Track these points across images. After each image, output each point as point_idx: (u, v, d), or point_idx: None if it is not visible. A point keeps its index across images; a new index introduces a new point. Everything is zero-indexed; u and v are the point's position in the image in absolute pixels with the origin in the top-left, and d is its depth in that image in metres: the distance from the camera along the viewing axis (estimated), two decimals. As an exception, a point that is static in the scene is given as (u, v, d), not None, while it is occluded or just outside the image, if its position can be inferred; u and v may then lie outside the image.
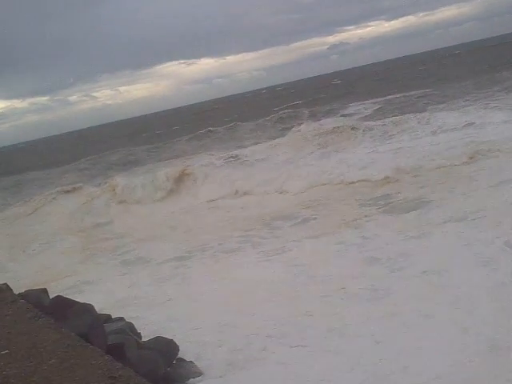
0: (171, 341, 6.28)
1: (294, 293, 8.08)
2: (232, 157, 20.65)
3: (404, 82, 48.72)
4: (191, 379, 5.89)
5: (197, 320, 7.66)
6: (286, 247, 10.63)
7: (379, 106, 32.28)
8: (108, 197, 19.10)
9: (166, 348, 6.11)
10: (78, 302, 5.88)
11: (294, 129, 23.79)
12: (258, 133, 30.16)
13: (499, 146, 14.20)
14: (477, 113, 19.86)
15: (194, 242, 12.56)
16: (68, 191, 20.10)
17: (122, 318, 6.55)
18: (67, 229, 16.71)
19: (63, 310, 5.53)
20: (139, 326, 6.59)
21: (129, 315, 7.02)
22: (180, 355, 6.26)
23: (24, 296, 5.81)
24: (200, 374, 6.02)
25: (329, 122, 26.92)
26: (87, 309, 5.78)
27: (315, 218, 12.50)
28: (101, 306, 6.74)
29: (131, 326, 6.31)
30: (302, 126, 23.22)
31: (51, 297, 6.14)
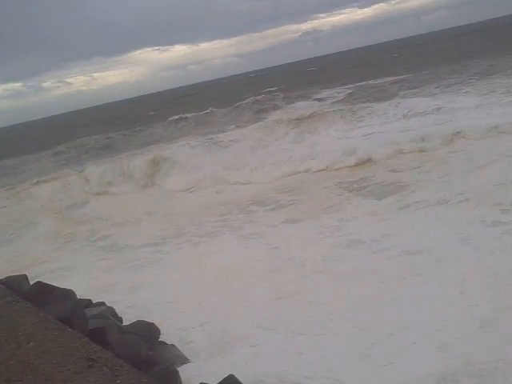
0: (152, 324, 6.27)
1: (274, 276, 8.11)
2: (208, 142, 20.54)
3: (377, 68, 49.06)
4: (173, 363, 5.90)
5: (177, 304, 7.66)
6: (265, 232, 10.64)
7: (352, 91, 32.52)
8: (82, 183, 18.88)
9: (147, 332, 6.09)
10: (58, 288, 5.81)
11: (269, 114, 23.78)
12: (234, 117, 30.07)
13: (472, 130, 14.40)
14: (448, 97, 20.19)
15: (171, 227, 12.51)
16: (45, 181, 19.72)
17: (103, 303, 6.52)
18: (44, 213, 16.54)
19: (44, 296, 5.47)
20: (120, 311, 6.57)
21: (109, 300, 6.97)
22: (161, 339, 6.25)
23: (4, 282, 5.72)
24: (182, 357, 6.04)
25: (302, 106, 27.07)
26: (68, 294, 5.73)
27: (292, 204, 12.54)
28: (82, 292, 6.65)
29: (112, 311, 6.29)
30: (277, 111, 23.24)
31: (31, 283, 6.05)
